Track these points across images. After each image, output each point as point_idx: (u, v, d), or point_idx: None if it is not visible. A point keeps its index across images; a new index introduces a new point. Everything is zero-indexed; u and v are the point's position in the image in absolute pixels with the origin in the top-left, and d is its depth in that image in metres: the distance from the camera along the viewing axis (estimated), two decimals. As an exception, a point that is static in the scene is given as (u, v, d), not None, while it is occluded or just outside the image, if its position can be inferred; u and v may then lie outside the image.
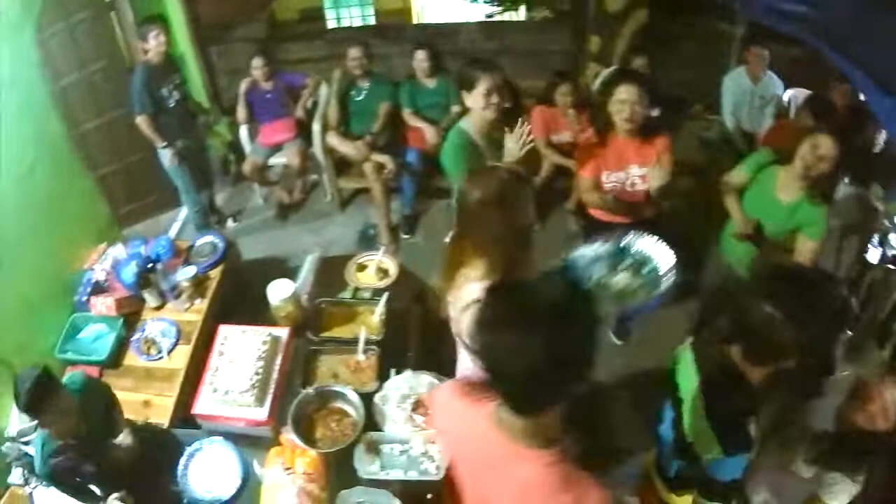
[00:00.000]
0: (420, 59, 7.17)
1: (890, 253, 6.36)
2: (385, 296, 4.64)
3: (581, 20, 9.20)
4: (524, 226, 3.34)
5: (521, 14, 11.89)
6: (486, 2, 12.03)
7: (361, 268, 5.03)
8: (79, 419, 3.65)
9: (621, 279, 3.35)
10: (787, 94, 7.60)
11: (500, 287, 2.24)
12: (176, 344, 5.13)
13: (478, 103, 4.50)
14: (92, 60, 6.86)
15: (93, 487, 3.74)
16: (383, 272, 4.97)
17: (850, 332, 4.91)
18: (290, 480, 3.62)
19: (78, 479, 3.70)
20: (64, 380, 3.82)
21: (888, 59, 4.86)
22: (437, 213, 7.20)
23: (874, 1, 5.21)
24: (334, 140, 7.24)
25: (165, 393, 4.84)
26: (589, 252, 3.41)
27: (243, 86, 7.38)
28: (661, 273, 3.42)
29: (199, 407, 4.19)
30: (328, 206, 7.99)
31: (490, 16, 11.95)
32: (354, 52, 7.18)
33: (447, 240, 3.85)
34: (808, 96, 4.93)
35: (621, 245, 3.47)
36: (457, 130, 4.61)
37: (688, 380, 3.17)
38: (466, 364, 3.72)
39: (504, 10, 12.04)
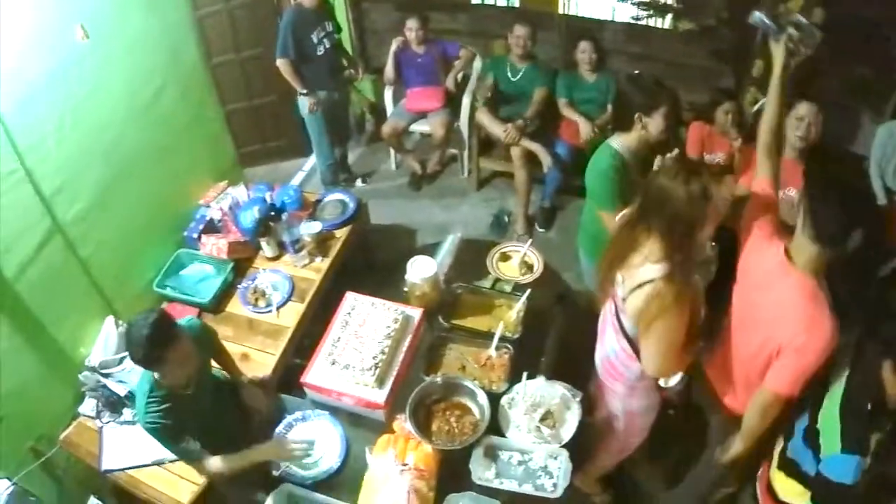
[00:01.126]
0: (585, 50, 6.84)
1: None
2: (527, 292, 4.31)
3: (740, 39, 8.88)
4: (704, 212, 3.27)
5: (666, 22, 11.57)
6: (633, 3, 11.71)
7: (505, 258, 4.72)
8: (192, 369, 3.45)
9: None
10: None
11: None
12: (288, 300, 4.89)
13: (657, 126, 4.32)
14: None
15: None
16: (527, 267, 4.65)
17: None
18: (400, 474, 3.34)
19: (178, 434, 3.45)
20: (181, 322, 3.53)
21: None
22: (575, 209, 6.80)
23: None
24: (484, 118, 6.92)
25: (268, 350, 4.60)
26: None
27: (394, 45, 7.14)
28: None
29: (312, 376, 3.90)
30: (463, 184, 7.78)
31: (636, 18, 11.63)
32: (520, 31, 6.86)
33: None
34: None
35: None
36: (609, 151, 4.35)
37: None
38: (605, 351, 3.82)
39: (650, 16, 11.74)
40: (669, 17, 10.75)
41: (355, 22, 8.44)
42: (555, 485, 3.52)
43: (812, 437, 3.18)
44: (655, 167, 4.04)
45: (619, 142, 4.34)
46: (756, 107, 7.39)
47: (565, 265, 5.40)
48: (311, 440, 3.67)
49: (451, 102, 7.34)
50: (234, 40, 6.95)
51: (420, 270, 4.27)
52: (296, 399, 4.05)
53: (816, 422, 3.19)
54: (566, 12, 8.49)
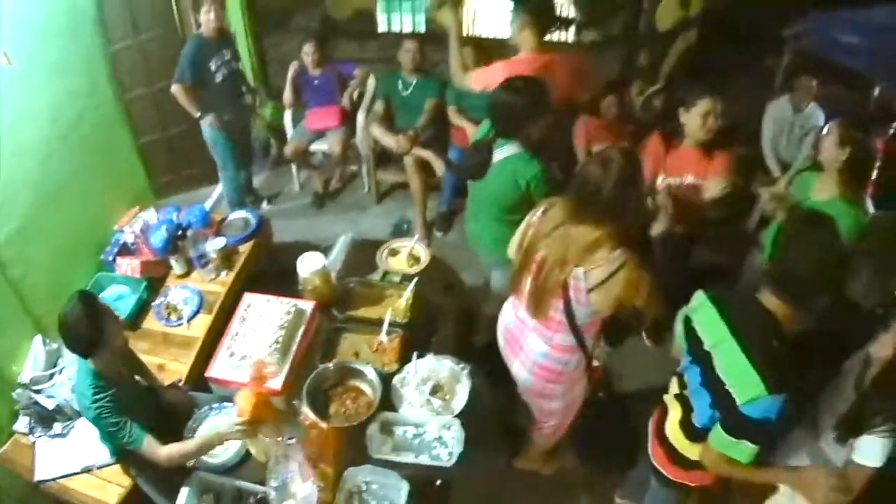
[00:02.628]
0: (467, 57, 7.10)
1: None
2: (414, 281, 4.56)
3: (632, 36, 9.23)
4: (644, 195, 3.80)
5: (570, 36, 11.89)
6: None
7: (394, 253, 4.98)
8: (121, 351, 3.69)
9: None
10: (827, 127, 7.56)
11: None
12: (197, 312, 5.07)
13: (694, 123, 5.03)
14: (146, 28, 6.84)
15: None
16: (415, 259, 4.92)
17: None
18: (295, 452, 3.50)
19: (125, 418, 3.56)
20: None
21: None
22: None
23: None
24: (377, 131, 7.14)
25: (181, 359, 4.79)
26: None
27: (292, 69, 7.36)
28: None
29: (215, 370, 4.10)
30: (365, 198, 7.95)
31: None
32: (409, 45, 7.10)
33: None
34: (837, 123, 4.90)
35: None
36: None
37: (714, 330, 3.31)
38: (532, 360, 4.02)
39: (554, 31, 12.03)
40: (572, 30, 11.13)
41: (257, 51, 8.65)
42: (450, 453, 3.69)
43: (722, 396, 3.21)
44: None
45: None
46: (642, 98, 7.74)
47: (464, 264, 5.69)
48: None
49: (349, 120, 7.51)
50: (147, 73, 7.03)
51: (309, 264, 4.47)
52: (205, 395, 4.19)
53: (721, 384, 3.22)
54: (470, 34, 8.82)
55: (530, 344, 3.99)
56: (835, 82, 7.38)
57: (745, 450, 3.15)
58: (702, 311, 3.43)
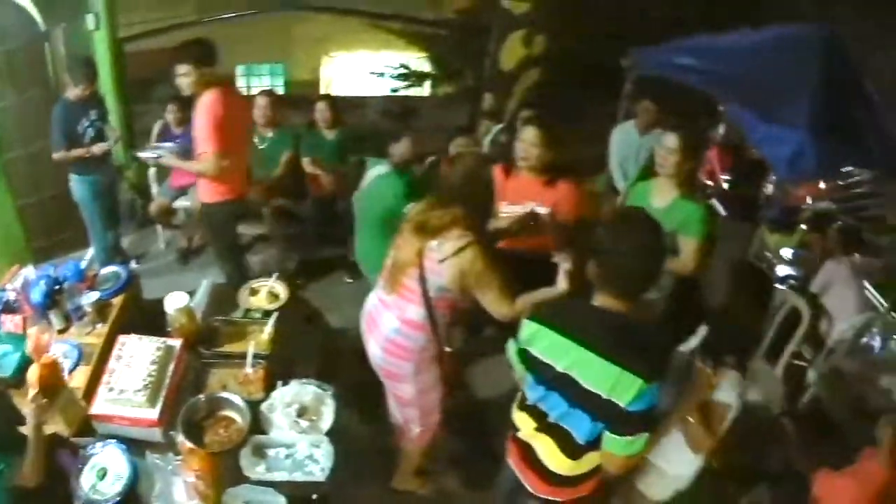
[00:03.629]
0: (321, 109, 7.41)
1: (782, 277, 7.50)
2: (274, 316, 4.85)
3: (477, 80, 9.69)
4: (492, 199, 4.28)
5: (425, 90, 12.31)
6: (392, 77, 12.45)
7: (254, 292, 5.26)
8: None
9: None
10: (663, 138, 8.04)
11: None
12: (77, 364, 5.11)
13: (520, 150, 5.53)
14: (23, 89, 7.03)
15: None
16: (274, 296, 5.20)
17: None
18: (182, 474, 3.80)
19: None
20: None
21: (771, 100, 5.40)
22: (331, 259, 7.39)
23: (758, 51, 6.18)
24: None
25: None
26: None
27: (156, 128, 7.58)
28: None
29: (97, 407, 4.30)
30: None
31: (395, 90, 12.35)
32: (261, 101, 7.43)
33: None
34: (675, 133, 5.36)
35: None
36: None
37: (561, 351, 3.37)
38: (384, 336, 4.52)
39: (409, 86, 12.47)
40: (427, 84, 11.56)
41: (124, 113, 8.82)
42: (322, 469, 3.96)
43: (601, 407, 3.26)
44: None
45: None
46: (489, 136, 8.17)
47: (327, 307, 5.96)
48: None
49: None
50: (23, 134, 7.15)
51: (174, 302, 4.75)
52: (86, 438, 4.31)
53: (596, 397, 3.26)
54: (328, 93, 9.19)
55: (384, 321, 4.42)
56: (674, 102, 7.93)
57: (643, 440, 3.27)
58: (539, 338, 3.46)
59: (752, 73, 6.39)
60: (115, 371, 4.45)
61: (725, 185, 9.52)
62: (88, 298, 5.39)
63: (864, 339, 6.72)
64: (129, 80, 8.93)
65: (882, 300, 7.18)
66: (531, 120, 5.82)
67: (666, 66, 7.28)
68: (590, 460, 3.60)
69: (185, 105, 7.57)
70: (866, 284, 7.33)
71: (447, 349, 4.59)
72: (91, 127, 6.90)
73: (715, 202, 8.14)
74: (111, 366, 4.51)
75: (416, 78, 12.85)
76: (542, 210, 5.43)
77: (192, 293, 5.38)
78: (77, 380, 4.96)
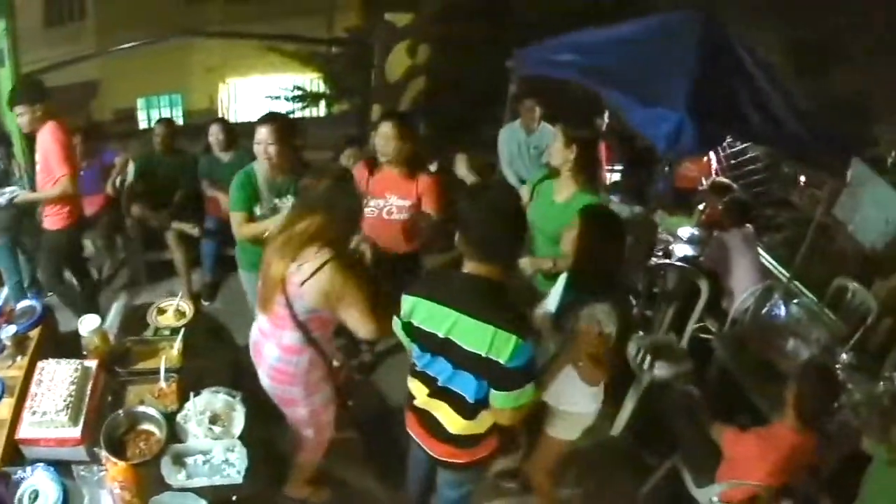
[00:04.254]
0: (214, 132, 7.54)
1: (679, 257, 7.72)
2: (182, 332, 5.04)
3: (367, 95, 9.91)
4: (358, 209, 4.32)
5: (321, 110, 12.50)
6: (287, 99, 12.62)
7: (161, 311, 5.41)
8: None
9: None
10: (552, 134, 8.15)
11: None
12: (1, 397, 5.25)
13: (377, 144, 5.78)
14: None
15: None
16: (181, 314, 5.37)
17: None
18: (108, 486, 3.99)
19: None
20: None
21: (649, 84, 5.66)
22: (235, 279, 7.41)
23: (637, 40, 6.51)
24: (138, 211, 7.51)
25: None
26: None
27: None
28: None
29: (23, 432, 4.39)
30: (136, 279, 8.13)
31: (291, 112, 12.52)
32: (159, 129, 7.60)
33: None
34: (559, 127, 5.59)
35: None
36: (245, 170, 5.48)
37: (441, 319, 3.60)
38: (268, 364, 4.54)
39: (305, 107, 12.66)
40: (322, 104, 11.71)
41: (27, 146, 8.78)
42: (238, 471, 4.13)
43: (486, 365, 3.47)
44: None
45: (255, 166, 5.38)
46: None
47: (233, 327, 6.09)
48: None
49: (114, 206, 7.78)
50: None
51: (87, 325, 4.90)
52: (15, 468, 4.32)
53: (479, 356, 3.47)
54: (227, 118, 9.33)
55: (266, 351, 4.51)
56: (559, 100, 8.28)
57: (529, 391, 3.50)
58: (418, 310, 3.67)
59: (631, 61, 6.63)
60: (36, 395, 4.55)
61: (616, 177, 9.90)
62: (6, 333, 5.43)
63: (767, 308, 7.09)
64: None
65: (783, 270, 7.59)
66: (385, 115, 6.14)
67: (547, 65, 7.49)
68: (485, 420, 3.82)
69: (89, 136, 7.88)
70: (764, 254, 7.72)
71: (336, 364, 4.69)
72: None
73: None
74: (33, 390, 4.61)
75: (311, 98, 13.01)
76: (405, 203, 5.80)
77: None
78: (2, 412, 5.06)
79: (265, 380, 4.64)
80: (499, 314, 3.42)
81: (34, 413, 4.43)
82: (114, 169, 7.98)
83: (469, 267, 3.54)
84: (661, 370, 6.15)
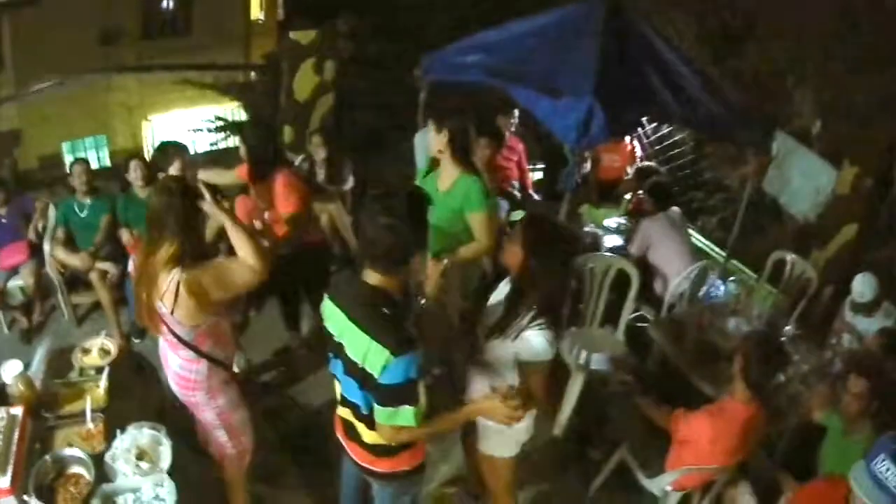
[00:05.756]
0: (133, 167, 7.39)
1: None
2: (106, 370, 4.94)
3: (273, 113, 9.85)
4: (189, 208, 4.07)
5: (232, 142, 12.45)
6: (209, 130, 12.53)
7: (86, 351, 5.27)
8: None
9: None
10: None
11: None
12: None
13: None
14: None
15: None
16: (105, 352, 5.25)
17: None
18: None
19: None
20: None
21: (556, 76, 5.62)
22: None
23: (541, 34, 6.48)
24: (61, 254, 7.33)
25: None
26: None
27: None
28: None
29: None
30: (67, 325, 7.89)
31: (214, 144, 12.44)
32: (78, 169, 7.41)
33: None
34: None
35: None
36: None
37: (336, 321, 3.60)
38: (172, 372, 4.51)
39: (227, 137, 12.58)
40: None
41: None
42: None
43: (363, 377, 3.44)
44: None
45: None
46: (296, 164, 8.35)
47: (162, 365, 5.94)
48: None
49: (37, 252, 7.56)
50: None
51: (9, 371, 4.80)
52: None
53: (354, 364, 3.46)
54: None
55: (170, 359, 4.46)
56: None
57: (406, 413, 3.36)
58: (327, 311, 3.66)
59: (535, 56, 6.64)
60: None
61: (538, 175, 9.89)
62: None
63: (704, 289, 7.10)
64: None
65: (718, 250, 7.59)
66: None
67: (454, 68, 7.51)
68: None
69: (3, 183, 7.76)
70: (698, 237, 7.71)
71: (237, 367, 4.73)
72: None
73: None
74: None
75: (232, 128, 12.89)
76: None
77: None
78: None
79: (172, 385, 4.61)
80: (377, 325, 3.37)
81: None
82: (34, 214, 7.76)
83: (366, 275, 3.49)
84: (598, 363, 6.08)
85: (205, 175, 6.37)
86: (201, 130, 12.91)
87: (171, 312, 4.03)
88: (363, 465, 3.98)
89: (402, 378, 3.30)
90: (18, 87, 12.73)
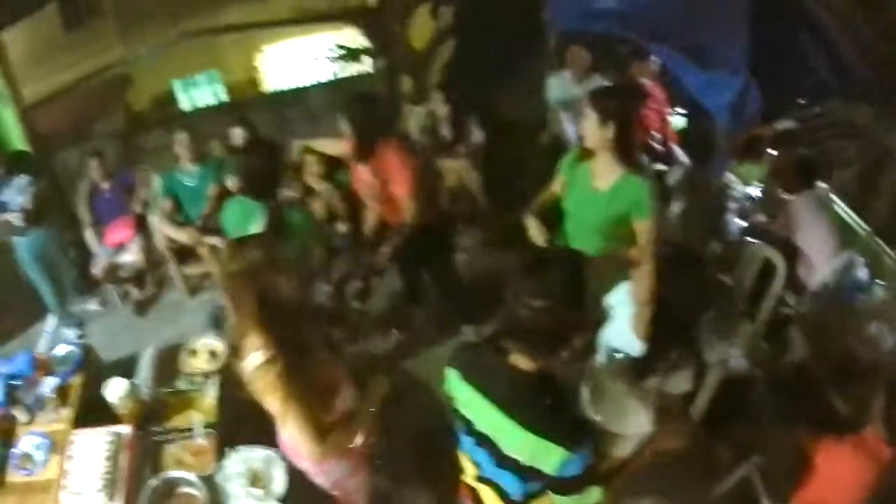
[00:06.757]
0: (237, 135, 7.11)
1: (751, 223, 6.70)
2: (215, 377, 4.67)
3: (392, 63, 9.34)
4: (288, 297, 3.36)
5: (367, 65, 11.86)
6: (328, 59, 12.02)
7: (193, 353, 4.99)
8: None
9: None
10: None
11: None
12: (49, 454, 4.91)
13: None
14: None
15: None
16: (213, 354, 4.95)
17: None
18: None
19: None
20: None
21: (704, 40, 4.91)
22: None
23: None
24: (167, 229, 7.12)
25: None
26: None
27: (84, 189, 7.26)
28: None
29: None
30: (180, 296, 7.77)
31: (336, 73, 11.94)
32: (181, 137, 7.13)
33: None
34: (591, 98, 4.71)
35: None
36: None
37: (479, 410, 2.99)
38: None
39: (347, 64, 12.03)
40: (367, 60, 11.14)
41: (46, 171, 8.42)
42: None
43: (526, 469, 2.90)
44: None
45: None
46: (418, 122, 7.92)
47: None
48: None
49: (144, 225, 7.42)
50: None
51: (114, 391, 4.51)
52: None
53: (512, 457, 2.91)
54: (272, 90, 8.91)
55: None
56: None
57: (593, 494, 2.92)
58: (457, 389, 3.10)
59: (679, 9, 5.86)
60: (69, 473, 4.31)
61: (682, 122, 9.00)
62: (48, 386, 5.17)
63: (851, 275, 6.19)
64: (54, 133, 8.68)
65: (862, 224, 6.72)
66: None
67: (585, 16, 6.84)
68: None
69: (102, 155, 7.46)
70: (844, 207, 6.88)
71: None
72: (21, 194, 6.66)
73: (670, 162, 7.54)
74: (66, 467, 4.36)
75: (351, 56, 12.37)
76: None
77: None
78: (51, 471, 4.76)
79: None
80: (544, 422, 2.81)
81: (69, 493, 4.19)
82: (137, 186, 7.65)
83: (513, 357, 2.88)
84: (735, 362, 5.36)
85: (317, 145, 5.96)
86: (318, 59, 12.48)
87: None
88: None
89: (581, 467, 2.80)
90: (123, 38, 12.50)
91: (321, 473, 3.93)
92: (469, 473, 3.34)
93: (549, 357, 2.85)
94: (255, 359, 3.25)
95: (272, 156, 5.23)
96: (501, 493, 3.14)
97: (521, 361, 2.86)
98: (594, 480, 2.90)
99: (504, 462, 2.95)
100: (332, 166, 6.69)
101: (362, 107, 5.29)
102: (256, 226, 4.83)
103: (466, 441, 3.17)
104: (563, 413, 2.90)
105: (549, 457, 2.76)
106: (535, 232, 4.57)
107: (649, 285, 3.66)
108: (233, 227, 5.13)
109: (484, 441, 3.02)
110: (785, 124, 7.70)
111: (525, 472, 2.89)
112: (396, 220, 5.44)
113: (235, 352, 3.44)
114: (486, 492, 3.26)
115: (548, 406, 2.83)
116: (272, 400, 3.32)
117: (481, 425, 3.00)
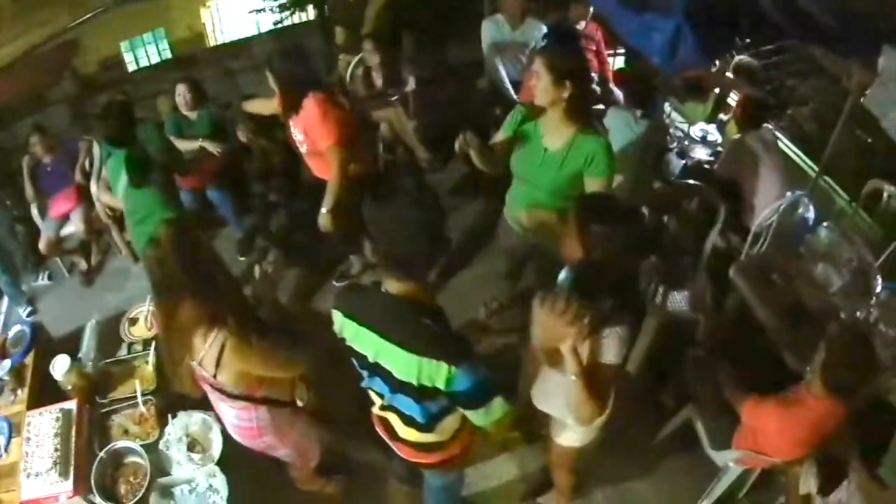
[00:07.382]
0: (181, 92, 6.98)
1: (693, 163, 6.66)
2: (153, 344, 4.64)
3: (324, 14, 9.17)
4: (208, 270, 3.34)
5: (310, 14, 11.68)
6: (270, 10, 11.84)
7: (133, 322, 5.00)
8: None
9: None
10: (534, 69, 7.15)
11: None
12: (10, 438, 4.80)
13: None
14: None
15: None
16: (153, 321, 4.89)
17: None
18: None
19: None
20: None
21: None
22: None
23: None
24: (105, 196, 6.95)
25: (11, 488, 4.55)
26: None
27: (26, 164, 7.19)
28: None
29: (25, 494, 4.20)
30: (125, 262, 7.61)
31: (278, 22, 11.76)
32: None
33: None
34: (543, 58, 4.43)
35: None
36: None
37: (365, 341, 3.06)
38: (232, 424, 3.81)
39: (290, 14, 11.85)
40: (310, 8, 10.93)
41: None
42: (222, 497, 4.06)
43: (421, 392, 2.97)
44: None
45: None
46: (349, 70, 7.79)
47: None
48: None
49: (87, 195, 7.27)
50: None
51: (59, 368, 4.50)
52: None
53: (410, 384, 2.97)
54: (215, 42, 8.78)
55: (224, 412, 3.81)
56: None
57: (497, 405, 2.95)
58: (346, 327, 3.13)
59: None
60: (27, 455, 4.32)
61: (620, 63, 8.72)
62: (2, 369, 5.14)
63: (797, 215, 5.97)
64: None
65: (812, 164, 6.60)
66: None
67: None
68: (447, 428, 3.34)
69: (44, 129, 7.36)
70: (792, 148, 6.78)
71: (299, 403, 4.01)
72: None
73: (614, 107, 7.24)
74: (24, 449, 4.36)
75: (294, 5, 12.17)
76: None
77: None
78: (14, 454, 4.71)
79: (234, 436, 3.94)
80: (424, 340, 2.87)
81: (28, 475, 4.24)
82: (79, 155, 7.45)
83: (388, 284, 2.97)
84: (676, 304, 5.28)
85: (250, 105, 5.93)
86: (262, 11, 12.33)
87: (214, 377, 3.40)
88: (409, 459, 3.62)
89: (474, 381, 2.85)
90: (69, 4, 12.33)
91: (282, 442, 3.93)
92: (377, 405, 3.44)
93: (415, 278, 2.95)
94: (214, 346, 3.26)
95: (123, 111, 5.60)
96: (406, 419, 3.27)
97: (393, 286, 2.94)
98: (494, 391, 2.95)
99: (401, 387, 3.03)
100: (269, 123, 6.60)
101: (287, 62, 5.20)
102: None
103: (365, 374, 3.25)
104: (442, 331, 2.95)
105: (436, 374, 2.83)
106: (478, 157, 4.32)
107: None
108: (116, 181, 5.35)
109: (378, 370, 3.08)
110: (741, 61, 7.61)
111: (421, 394, 2.97)
112: (328, 174, 5.34)
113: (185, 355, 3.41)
114: (394, 419, 3.39)
115: (426, 326, 2.89)
116: (252, 364, 3.39)
117: (372, 356, 3.05)
